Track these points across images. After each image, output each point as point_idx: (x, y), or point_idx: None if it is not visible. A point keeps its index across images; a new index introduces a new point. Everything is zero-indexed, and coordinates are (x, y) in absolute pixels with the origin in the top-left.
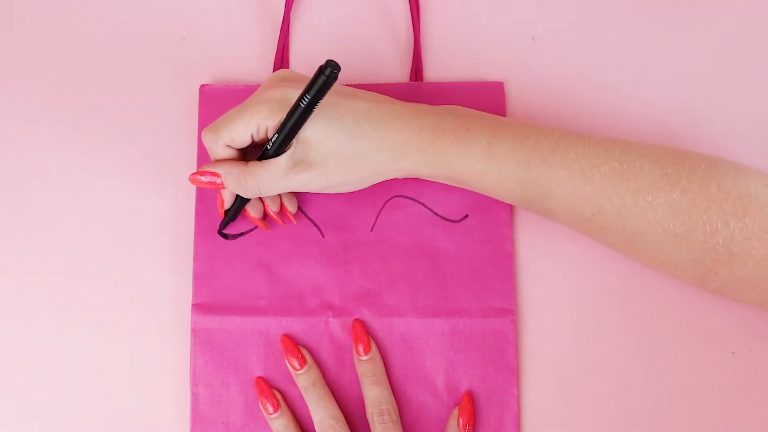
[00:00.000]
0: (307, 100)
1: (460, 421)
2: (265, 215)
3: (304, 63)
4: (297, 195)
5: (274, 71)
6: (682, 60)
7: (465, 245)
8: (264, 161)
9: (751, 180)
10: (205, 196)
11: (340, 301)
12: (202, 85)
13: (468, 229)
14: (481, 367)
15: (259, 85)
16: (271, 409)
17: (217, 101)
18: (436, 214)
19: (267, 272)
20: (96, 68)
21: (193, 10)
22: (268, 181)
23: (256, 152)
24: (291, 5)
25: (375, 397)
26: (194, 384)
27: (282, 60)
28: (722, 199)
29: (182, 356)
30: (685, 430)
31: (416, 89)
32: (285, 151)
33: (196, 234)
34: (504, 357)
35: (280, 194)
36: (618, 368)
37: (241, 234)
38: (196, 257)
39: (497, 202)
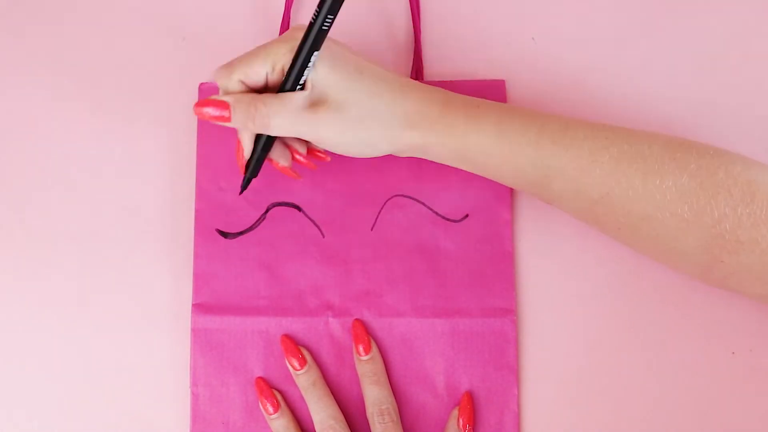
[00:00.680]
0: (316, 16)
1: (460, 421)
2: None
3: None
4: (297, 195)
5: None
6: (682, 59)
7: (465, 245)
8: (279, 93)
9: (758, 169)
10: (205, 195)
11: (340, 301)
12: (202, 83)
13: (468, 229)
14: (481, 367)
15: None
16: (271, 409)
17: None
18: (437, 213)
19: (267, 272)
20: (96, 68)
21: (193, 10)
22: (281, 113)
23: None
24: (291, 5)
25: (375, 397)
26: (194, 384)
27: None
28: (730, 185)
29: (182, 356)
30: (685, 430)
31: None
32: (302, 89)
33: (196, 234)
34: (504, 357)
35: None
36: (618, 368)
37: (241, 233)
38: (196, 257)
39: (497, 202)
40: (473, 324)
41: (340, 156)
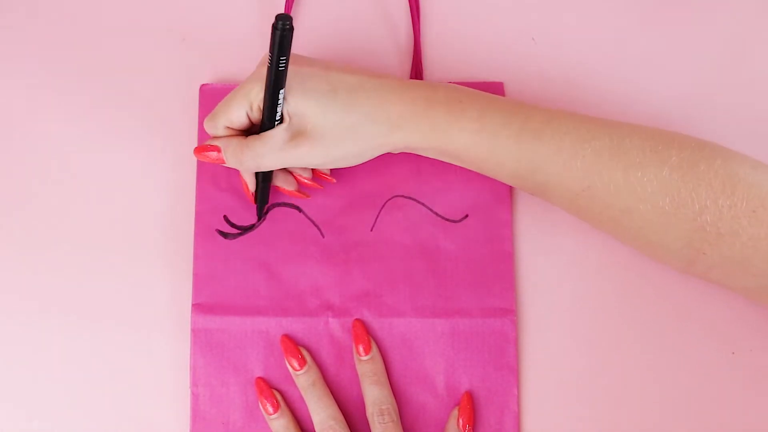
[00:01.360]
0: (270, 59)
1: (460, 421)
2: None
3: None
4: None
5: None
6: (681, 60)
7: (465, 245)
8: (261, 134)
9: (739, 161)
10: (205, 196)
11: (340, 301)
12: (203, 84)
13: (468, 229)
14: (481, 367)
15: None
16: (271, 409)
17: (217, 101)
18: (436, 214)
19: (267, 272)
20: (96, 68)
21: (193, 10)
22: (265, 153)
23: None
24: (291, 5)
25: (375, 397)
26: (194, 384)
27: None
28: (711, 177)
29: (182, 356)
30: (685, 430)
31: None
32: (281, 123)
33: (196, 234)
34: (504, 357)
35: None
36: (618, 368)
37: (241, 234)
38: (196, 257)
39: (497, 202)
40: (473, 324)
41: None
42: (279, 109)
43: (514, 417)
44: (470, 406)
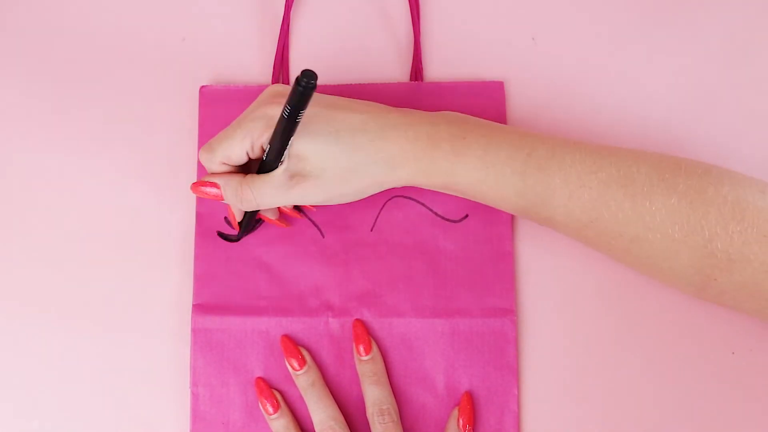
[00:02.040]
0: (288, 111)
1: (460, 421)
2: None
3: (304, 63)
4: None
5: (274, 72)
6: (682, 60)
7: (465, 245)
8: (261, 174)
9: (747, 185)
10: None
11: (340, 302)
12: (203, 86)
13: (468, 229)
14: (481, 367)
15: (259, 86)
16: (271, 409)
17: (217, 102)
18: (436, 214)
19: (267, 273)
20: (96, 69)
21: (193, 10)
22: (265, 193)
23: (257, 165)
24: (291, 5)
25: (375, 397)
26: (194, 384)
27: (282, 60)
28: (720, 203)
29: (182, 356)
30: (685, 430)
31: (416, 89)
32: (281, 164)
33: (196, 235)
34: (504, 357)
35: None
36: (618, 368)
37: (241, 235)
38: (197, 258)
39: None
40: (473, 324)
41: None
42: (286, 153)
43: (514, 417)
44: (470, 406)
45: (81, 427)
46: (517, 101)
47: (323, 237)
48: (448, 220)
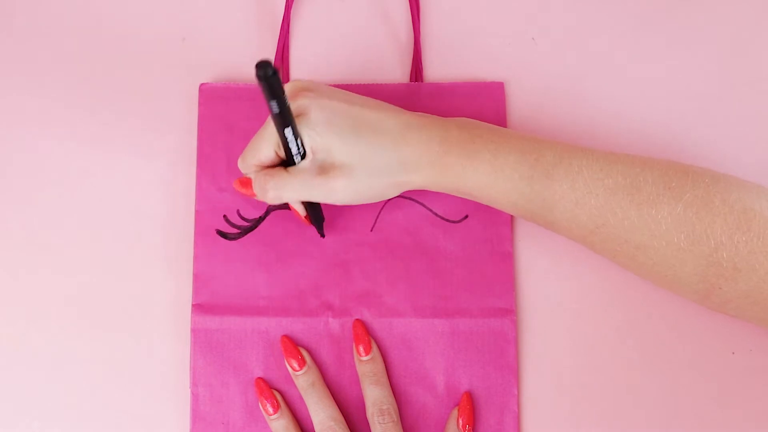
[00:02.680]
0: (275, 106)
1: (460, 421)
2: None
3: (304, 63)
4: None
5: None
6: (682, 60)
7: (465, 245)
8: (288, 167)
9: (754, 195)
10: (205, 196)
11: (340, 301)
12: (202, 83)
13: (468, 229)
14: (481, 367)
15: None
16: (271, 409)
17: (217, 100)
18: (436, 214)
19: (267, 272)
20: (96, 68)
21: (193, 10)
22: (288, 184)
23: None
24: (291, 5)
25: (375, 397)
26: (194, 384)
27: (282, 60)
28: (726, 213)
29: (182, 356)
30: (685, 430)
31: (416, 89)
32: (304, 158)
33: (196, 234)
34: (504, 357)
35: None
36: (618, 368)
37: (241, 234)
38: (196, 257)
39: None
40: (473, 324)
41: None
42: (298, 144)
43: (514, 417)
44: (470, 406)
45: (81, 427)
46: (517, 102)
47: (323, 237)
48: (448, 220)
